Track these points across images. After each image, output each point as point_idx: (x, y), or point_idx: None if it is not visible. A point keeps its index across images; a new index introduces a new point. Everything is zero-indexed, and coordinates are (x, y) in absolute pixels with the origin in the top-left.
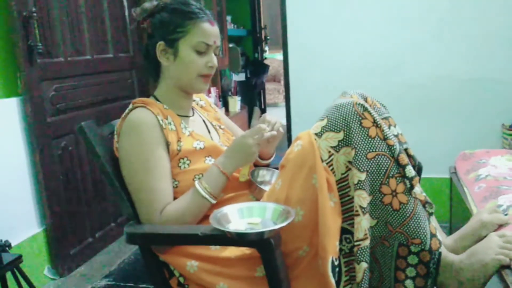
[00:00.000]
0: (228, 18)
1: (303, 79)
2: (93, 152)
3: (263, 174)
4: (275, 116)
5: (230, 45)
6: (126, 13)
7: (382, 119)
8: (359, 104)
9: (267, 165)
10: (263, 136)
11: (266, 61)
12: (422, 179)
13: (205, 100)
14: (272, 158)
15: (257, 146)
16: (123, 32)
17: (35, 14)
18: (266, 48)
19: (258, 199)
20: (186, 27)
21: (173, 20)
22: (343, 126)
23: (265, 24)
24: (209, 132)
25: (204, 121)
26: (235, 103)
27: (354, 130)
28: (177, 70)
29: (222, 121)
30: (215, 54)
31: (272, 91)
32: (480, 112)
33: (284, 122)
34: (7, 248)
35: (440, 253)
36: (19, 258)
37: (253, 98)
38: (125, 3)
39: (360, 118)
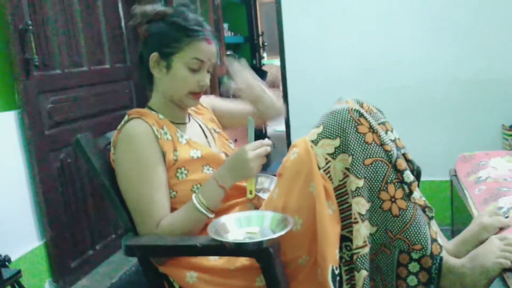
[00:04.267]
0: (225, 25)
1: (301, 84)
2: (89, 164)
3: (262, 181)
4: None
5: (228, 53)
6: (122, 24)
7: (379, 124)
8: (354, 110)
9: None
10: (266, 151)
11: (264, 67)
12: (422, 182)
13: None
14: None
15: (257, 161)
16: (119, 43)
17: (31, 27)
18: (264, 55)
19: (257, 207)
20: (181, 43)
21: (170, 34)
22: (339, 132)
23: (262, 30)
24: (206, 137)
25: (201, 126)
26: None
27: (350, 137)
28: (168, 84)
29: (216, 116)
30: (209, 72)
31: None
32: (480, 113)
33: (283, 128)
34: (6, 263)
35: (441, 258)
36: (18, 273)
37: None
38: (121, 14)
39: (356, 124)
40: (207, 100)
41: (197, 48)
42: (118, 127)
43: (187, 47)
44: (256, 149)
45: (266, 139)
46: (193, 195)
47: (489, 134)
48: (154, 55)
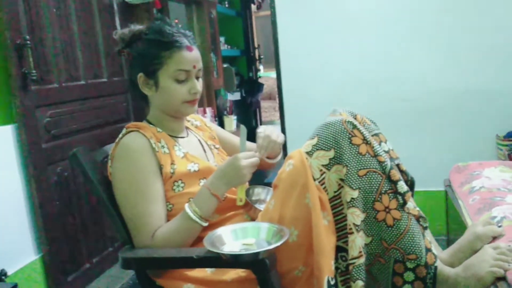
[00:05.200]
0: (222, 39)
1: (296, 96)
2: (86, 178)
3: (258, 192)
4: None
5: (225, 65)
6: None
7: (372, 135)
8: (348, 121)
9: (274, 166)
10: (257, 161)
11: (260, 80)
12: (417, 192)
13: (200, 120)
14: (279, 157)
15: (249, 169)
16: (116, 56)
17: (28, 42)
18: (261, 67)
19: (253, 218)
20: (162, 58)
21: (149, 52)
22: (334, 144)
23: (258, 43)
24: (205, 151)
25: (199, 141)
26: (231, 122)
27: (344, 148)
28: (161, 100)
29: (218, 140)
30: (198, 77)
31: (268, 109)
32: (474, 124)
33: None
34: (3, 277)
35: (436, 268)
36: (15, 287)
37: (249, 116)
38: (118, 27)
39: (350, 135)
40: (215, 127)
41: (178, 59)
42: (116, 140)
43: (168, 61)
44: (248, 158)
45: (257, 153)
46: (186, 205)
47: (484, 144)
48: (140, 76)
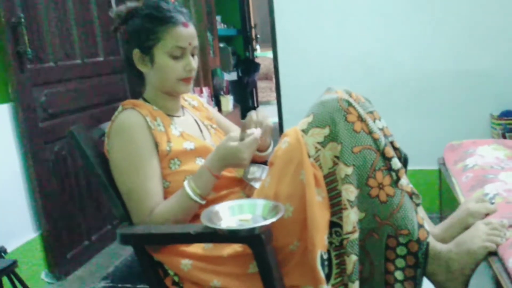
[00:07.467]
0: (218, 18)
1: (293, 76)
2: (84, 155)
3: (253, 171)
4: (263, 112)
5: (221, 45)
6: None
7: (367, 113)
8: (343, 99)
9: (265, 158)
10: (256, 140)
11: (257, 60)
12: (412, 171)
13: (198, 100)
14: (269, 150)
15: (248, 151)
16: (112, 35)
17: (23, 20)
18: (257, 47)
19: (249, 196)
20: (158, 34)
21: (145, 27)
22: (329, 121)
23: (255, 23)
24: (201, 131)
25: (196, 120)
26: (228, 102)
27: (339, 126)
28: (156, 76)
29: (215, 120)
30: (193, 55)
31: (265, 89)
32: (468, 103)
33: (276, 119)
34: (2, 254)
35: (428, 243)
36: (14, 263)
37: (246, 96)
38: (114, 6)
39: (345, 113)
40: (211, 109)
41: (174, 35)
42: (112, 118)
43: (165, 36)
44: (251, 147)
45: (259, 129)
46: (185, 183)
47: (478, 123)
48: (136, 52)
